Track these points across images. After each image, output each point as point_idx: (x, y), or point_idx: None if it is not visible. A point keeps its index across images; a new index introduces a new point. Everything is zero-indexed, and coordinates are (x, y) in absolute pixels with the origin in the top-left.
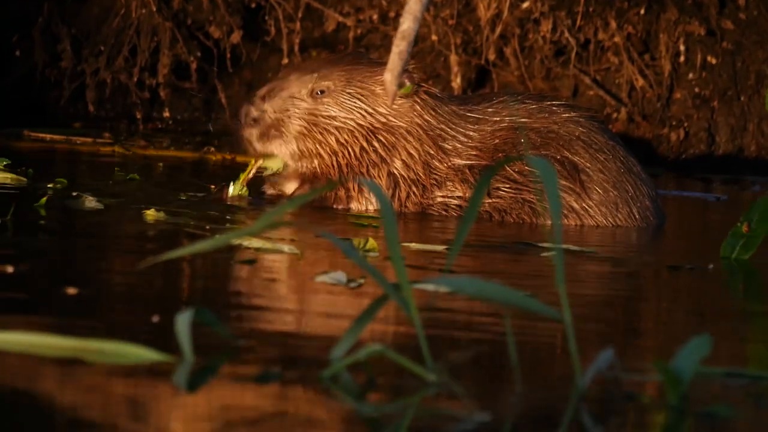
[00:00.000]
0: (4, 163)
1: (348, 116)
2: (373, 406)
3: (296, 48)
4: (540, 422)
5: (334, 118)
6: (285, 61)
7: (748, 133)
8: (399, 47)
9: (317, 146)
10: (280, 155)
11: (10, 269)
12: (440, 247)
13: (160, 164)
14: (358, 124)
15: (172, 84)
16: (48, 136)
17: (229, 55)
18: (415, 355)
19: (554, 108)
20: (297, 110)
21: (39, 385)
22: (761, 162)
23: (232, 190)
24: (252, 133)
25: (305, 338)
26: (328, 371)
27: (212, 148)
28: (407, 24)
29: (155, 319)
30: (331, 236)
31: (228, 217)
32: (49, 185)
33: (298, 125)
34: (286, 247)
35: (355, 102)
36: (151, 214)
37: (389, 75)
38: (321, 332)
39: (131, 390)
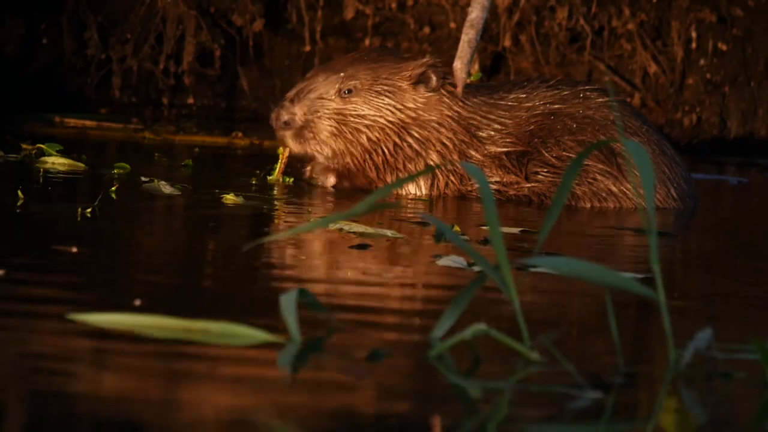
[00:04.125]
0: (57, 149)
1: (377, 114)
2: (482, 383)
3: (317, 36)
4: (643, 399)
5: (363, 116)
6: (307, 48)
7: (758, 118)
8: (468, 35)
9: (349, 146)
10: (317, 156)
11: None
12: (515, 230)
13: (196, 149)
14: (389, 121)
15: (196, 71)
16: (80, 123)
17: (251, 43)
18: (514, 335)
19: (588, 93)
20: (326, 111)
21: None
22: None
23: (271, 177)
24: (286, 136)
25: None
26: (434, 350)
27: (240, 134)
28: (476, 13)
29: (137, 302)
30: (434, 219)
31: (298, 200)
32: (114, 171)
33: (329, 125)
34: (389, 232)
35: (382, 99)
36: (230, 198)
37: (459, 62)
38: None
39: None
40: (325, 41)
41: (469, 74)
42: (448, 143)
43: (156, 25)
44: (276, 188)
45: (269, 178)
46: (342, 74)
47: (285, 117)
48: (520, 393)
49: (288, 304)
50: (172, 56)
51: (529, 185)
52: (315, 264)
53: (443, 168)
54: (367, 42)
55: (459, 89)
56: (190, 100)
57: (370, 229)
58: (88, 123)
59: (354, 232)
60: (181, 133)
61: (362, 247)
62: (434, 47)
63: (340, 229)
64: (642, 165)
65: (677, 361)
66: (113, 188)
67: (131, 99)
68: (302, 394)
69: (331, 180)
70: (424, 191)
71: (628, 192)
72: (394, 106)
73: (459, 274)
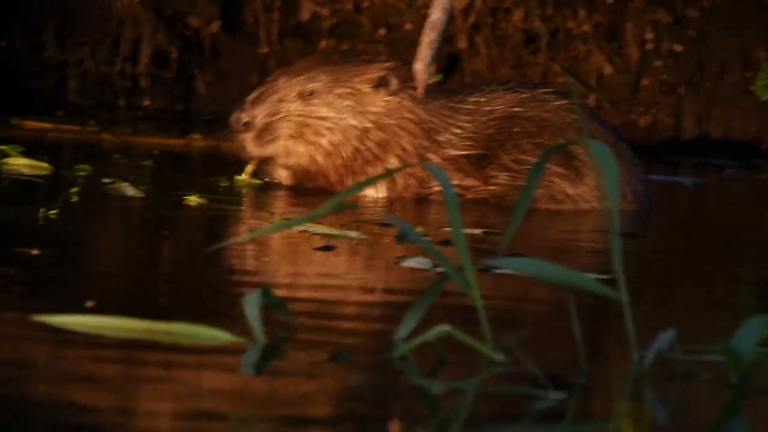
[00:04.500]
0: (20, 150)
1: (338, 116)
2: (446, 384)
3: (274, 37)
4: (605, 401)
5: (324, 118)
6: (263, 50)
7: (713, 119)
8: (429, 37)
9: (310, 147)
10: (276, 158)
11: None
12: (477, 231)
13: (155, 151)
14: (349, 124)
15: (153, 73)
16: (38, 125)
17: (208, 45)
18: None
19: (546, 96)
20: (287, 113)
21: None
22: (725, 146)
23: (241, 178)
24: (245, 138)
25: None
26: (398, 351)
27: (197, 136)
28: (437, 15)
29: (89, 304)
30: (397, 220)
31: (261, 202)
32: (77, 173)
33: (289, 127)
34: (353, 233)
35: (343, 102)
36: (193, 199)
37: (420, 64)
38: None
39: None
40: (281, 43)
41: (429, 76)
42: (407, 147)
43: (113, 27)
44: (240, 190)
45: (237, 178)
46: (303, 76)
47: (245, 119)
48: (483, 394)
49: (251, 305)
50: (129, 58)
51: (488, 188)
52: (279, 266)
53: (403, 173)
54: (323, 44)
55: (420, 91)
56: (147, 103)
57: (334, 231)
58: (46, 125)
59: (318, 234)
60: (139, 135)
61: (327, 249)
62: (390, 49)
63: (304, 231)
64: (606, 167)
65: (640, 362)
66: (74, 189)
67: (88, 101)
68: (266, 395)
69: (290, 180)
70: (383, 194)
71: (584, 194)
72: (355, 109)
73: (423, 275)
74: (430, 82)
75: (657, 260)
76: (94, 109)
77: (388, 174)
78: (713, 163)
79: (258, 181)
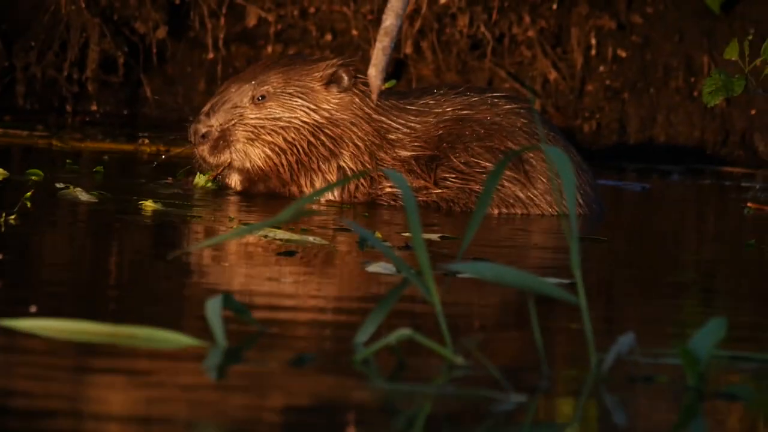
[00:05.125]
0: None
1: (292, 115)
2: (407, 387)
3: (220, 43)
4: (566, 403)
5: (278, 119)
6: (210, 55)
7: (657, 124)
8: (383, 42)
9: (265, 148)
10: (232, 162)
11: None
12: (434, 236)
13: (105, 156)
14: (303, 122)
15: (99, 78)
16: None
17: (155, 50)
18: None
19: (495, 100)
20: (242, 118)
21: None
22: (670, 151)
23: (198, 181)
24: (204, 150)
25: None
26: (360, 354)
27: (146, 140)
28: (390, 21)
29: (32, 309)
30: (357, 226)
31: (216, 206)
32: (31, 178)
33: (245, 132)
34: (312, 238)
35: (296, 101)
36: (149, 204)
37: (374, 70)
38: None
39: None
40: (227, 48)
41: (383, 81)
42: (359, 143)
43: (60, 32)
44: (193, 194)
45: (195, 181)
46: (254, 81)
47: (203, 130)
48: (443, 397)
49: (213, 309)
50: (76, 63)
51: (437, 191)
52: (241, 271)
53: (355, 170)
54: (269, 49)
55: (374, 96)
56: (94, 107)
57: (294, 236)
58: None
59: (279, 239)
60: (87, 141)
61: (289, 253)
62: (336, 54)
63: (264, 236)
64: (563, 172)
65: (599, 365)
66: (28, 195)
67: (34, 106)
68: (226, 399)
69: (244, 183)
70: (335, 195)
71: (535, 198)
72: (308, 107)
73: (388, 280)
74: (384, 87)
75: (611, 264)
76: (41, 114)
77: (348, 180)
78: (657, 169)
79: (211, 185)
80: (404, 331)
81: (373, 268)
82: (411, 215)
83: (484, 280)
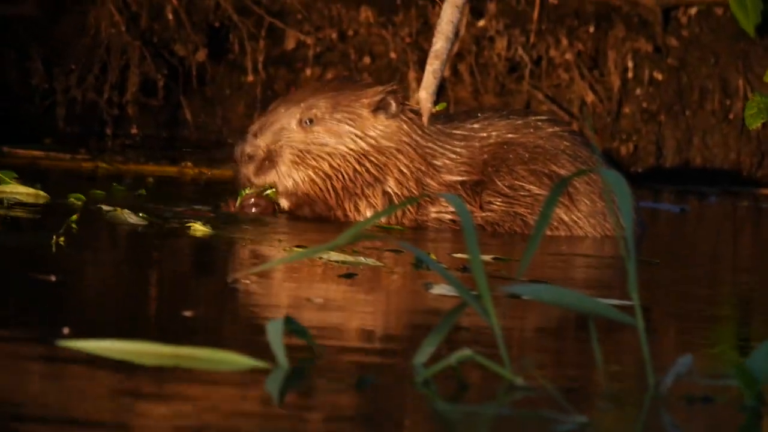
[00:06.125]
0: (13, 176)
1: (339, 141)
2: (469, 408)
3: (259, 66)
4: (626, 424)
5: (325, 144)
6: (249, 78)
7: (693, 147)
8: (433, 66)
9: (310, 173)
10: (276, 185)
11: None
12: (487, 257)
13: (150, 179)
14: (349, 149)
15: (139, 101)
16: (29, 153)
17: (194, 73)
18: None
19: (539, 123)
20: (288, 141)
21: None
22: (706, 173)
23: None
24: (249, 169)
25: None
26: (420, 375)
27: (189, 163)
28: (440, 44)
29: (65, 331)
30: (413, 247)
31: (265, 230)
32: (76, 200)
33: (291, 155)
34: (368, 260)
35: (343, 127)
36: (198, 227)
37: (424, 93)
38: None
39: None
40: (266, 71)
41: (434, 104)
42: (405, 170)
43: (100, 55)
44: (240, 218)
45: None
46: (303, 104)
47: (249, 150)
48: (505, 418)
49: (275, 331)
50: (116, 86)
51: (482, 214)
52: (305, 293)
53: (401, 196)
54: (308, 72)
55: (425, 119)
56: (134, 130)
57: (348, 258)
58: (37, 153)
59: (335, 261)
60: (130, 163)
61: (349, 276)
62: (375, 77)
63: (320, 258)
64: (621, 194)
65: (657, 385)
66: (74, 217)
67: (75, 129)
68: (289, 421)
69: (290, 206)
70: (382, 219)
71: (578, 221)
72: (355, 134)
73: (455, 301)
74: (435, 110)
75: (666, 286)
76: (81, 137)
77: (402, 205)
78: (694, 191)
79: (271, 194)
80: (465, 352)
81: (437, 290)
82: (469, 237)
83: (542, 302)
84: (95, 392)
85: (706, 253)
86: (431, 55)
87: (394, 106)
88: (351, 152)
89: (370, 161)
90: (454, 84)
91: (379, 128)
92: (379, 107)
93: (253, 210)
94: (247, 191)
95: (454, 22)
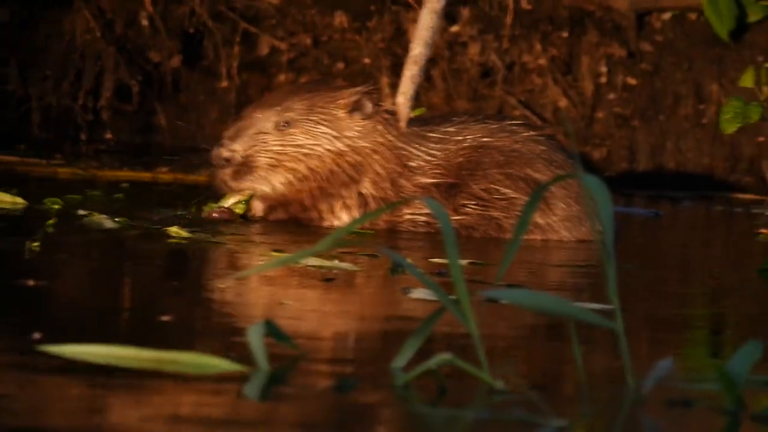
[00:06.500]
0: None
1: (315, 143)
2: (449, 412)
3: (233, 72)
4: (605, 427)
5: (302, 146)
6: (223, 84)
7: (666, 151)
8: (411, 71)
9: (288, 175)
10: (253, 189)
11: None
12: (463, 261)
13: (125, 184)
14: (326, 149)
15: (114, 106)
16: (4, 158)
17: (169, 79)
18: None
19: (514, 127)
20: (265, 145)
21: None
22: (679, 178)
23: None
24: (226, 174)
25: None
26: (400, 379)
27: (164, 168)
28: (418, 49)
29: (36, 335)
30: (391, 252)
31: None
32: (54, 206)
33: (268, 158)
34: (345, 264)
35: (319, 128)
36: (175, 231)
37: (402, 98)
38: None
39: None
40: (240, 77)
41: (411, 109)
42: (380, 171)
43: (75, 61)
44: (215, 221)
45: (212, 205)
46: (278, 107)
47: (226, 154)
48: (485, 421)
49: (255, 334)
50: (91, 92)
51: (457, 218)
52: (282, 298)
53: (376, 197)
54: (282, 77)
55: (402, 124)
56: (108, 136)
57: (325, 262)
58: (11, 158)
59: (312, 266)
60: (105, 169)
61: (327, 280)
62: (348, 82)
63: (297, 263)
64: (601, 200)
65: (637, 389)
66: (51, 222)
67: (49, 135)
68: (267, 425)
69: (264, 210)
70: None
71: (553, 225)
72: (332, 135)
73: (433, 306)
74: (412, 115)
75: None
76: (56, 143)
77: (383, 210)
78: (668, 195)
79: (241, 207)
80: (444, 356)
81: (416, 294)
82: (448, 242)
83: (521, 306)
84: (69, 397)
85: (679, 256)
86: (409, 60)
87: (369, 106)
88: (328, 153)
89: (347, 161)
90: (426, 89)
91: (355, 128)
92: (354, 108)
93: (215, 216)
94: (211, 205)
95: (432, 27)
